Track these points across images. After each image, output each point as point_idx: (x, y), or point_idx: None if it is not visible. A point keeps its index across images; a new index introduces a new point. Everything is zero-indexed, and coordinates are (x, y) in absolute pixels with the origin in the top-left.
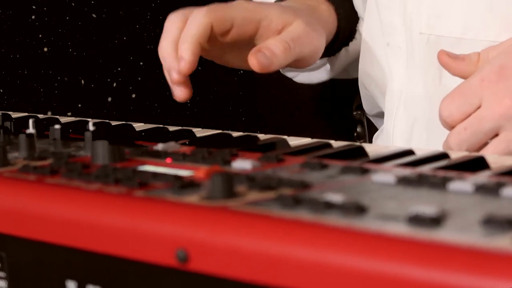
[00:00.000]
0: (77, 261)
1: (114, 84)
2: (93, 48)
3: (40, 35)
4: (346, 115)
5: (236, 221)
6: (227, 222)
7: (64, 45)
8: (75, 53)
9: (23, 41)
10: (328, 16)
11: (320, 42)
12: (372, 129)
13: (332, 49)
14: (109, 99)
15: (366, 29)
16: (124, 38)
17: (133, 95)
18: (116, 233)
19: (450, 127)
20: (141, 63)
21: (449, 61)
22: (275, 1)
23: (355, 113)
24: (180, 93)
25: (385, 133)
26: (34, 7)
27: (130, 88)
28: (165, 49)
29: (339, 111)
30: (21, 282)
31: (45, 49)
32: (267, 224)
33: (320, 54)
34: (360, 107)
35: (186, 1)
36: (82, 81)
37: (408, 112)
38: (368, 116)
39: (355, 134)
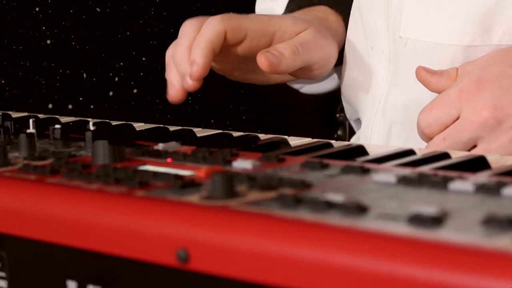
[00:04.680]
0: (77, 261)
1: (116, 79)
2: (96, 42)
3: (44, 28)
4: (329, 117)
5: (237, 221)
6: (227, 222)
7: (67, 38)
8: (78, 47)
9: (26, 33)
10: (337, 27)
11: (330, 50)
12: (352, 133)
13: (340, 58)
14: (111, 93)
15: (350, 34)
16: (128, 33)
17: (135, 90)
18: (117, 233)
19: (428, 138)
20: (144, 59)
21: (427, 76)
22: (285, 13)
23: (338, 115)
24: (176, 94)
25: (362, 136)
26: None
27: (132, 83)
28: (180, 54)
29: (325, 113)
30: (21, 282)
31: (48, 42)
32: (268, 224)
33: (333, 63)
34: (343, 110)
35: None
36: (84, 75)
37: (386, 116)
38: (349, 120)
39: (335, 136)
